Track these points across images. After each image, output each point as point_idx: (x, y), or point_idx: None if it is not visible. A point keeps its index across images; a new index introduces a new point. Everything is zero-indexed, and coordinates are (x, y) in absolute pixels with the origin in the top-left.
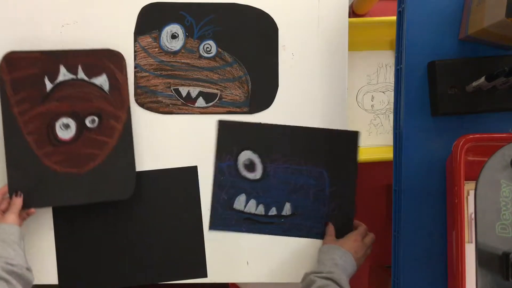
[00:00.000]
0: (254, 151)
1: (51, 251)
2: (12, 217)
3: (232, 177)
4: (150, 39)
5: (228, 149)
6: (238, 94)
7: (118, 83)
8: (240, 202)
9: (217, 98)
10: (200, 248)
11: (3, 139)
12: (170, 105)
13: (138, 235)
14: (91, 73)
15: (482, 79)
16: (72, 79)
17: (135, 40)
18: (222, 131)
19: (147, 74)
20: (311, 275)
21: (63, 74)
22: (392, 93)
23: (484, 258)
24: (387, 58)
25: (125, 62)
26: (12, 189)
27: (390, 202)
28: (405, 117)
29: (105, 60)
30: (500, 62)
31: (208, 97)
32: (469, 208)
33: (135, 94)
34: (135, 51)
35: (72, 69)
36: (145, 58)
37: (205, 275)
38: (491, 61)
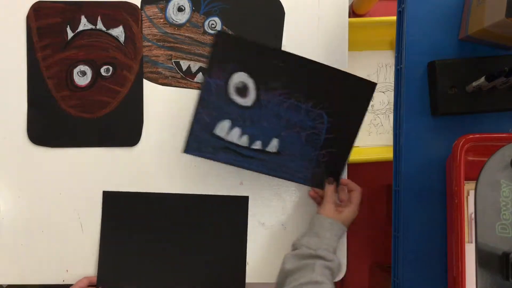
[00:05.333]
0: (251, 74)
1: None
2: None
3: (219, 98)
4: (157, 10)
5: (222, 65)
6: None
7: (133, 35)
8: (222, 128)
9: None
10: (241, 279)
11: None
12: (170, 78)
13: (181, 253)
14: (109, 24)
15: (482, 79)
16: (91, 29)
17: (141, 9)
18: (220, 43)
19: (150, 44)
20: (317, 261)
21: (84, 24)
22: (392, 93)
23: (484, 258)
24: (387, 58)
25: (141, 15)
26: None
27: (390, 202)
28: (405, 117)
29: (123, 12)
30: (500, 62)
31: None
32: (469, 208)
33: None
34: (141, 26)
35: (92, 20)
36: (149, 27)
37: None
38: (491, 61)
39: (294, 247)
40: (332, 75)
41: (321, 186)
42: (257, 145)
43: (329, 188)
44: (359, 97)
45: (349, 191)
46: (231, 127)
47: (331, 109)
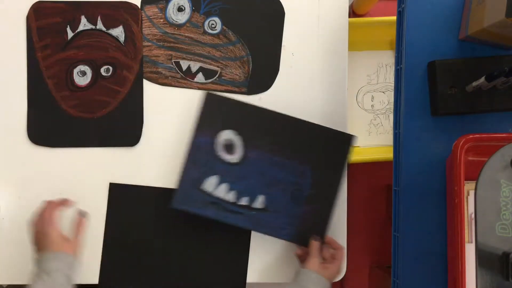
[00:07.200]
0: (238, 132)
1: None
2: (78, 244)
3: (208, 155)
4: (157, 10)
5: (210, 124)
6: (238, 73)
7: (133, 35)
8: (210, 184)
9: (217, 75)
10: (241, 279)
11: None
12: (169, 78)
13: (182, 252)
14: (109, 24)
15: (482, 79)
16: (92, 29)
17: (141, 9)
18: (208, 104)
19: (150, 44)
20: None
21: (84, 24)
22: (392, 93)
23: (484, 258)
24: (387, 58)
25: (141, 15)
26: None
27: (390, 202)
28: (405, 117)
29: (123, 12)
30: (500, 62)
31: (208, 73)
32: (469, 208)
33: None
34: (141, 26)
35: (92, 20)
36: (149, 27)
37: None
38: (491, 61)
39: None
40: (313, 131)
41: (305, 243)
42: (244, 201)
43: (314, 244)
44: (339, 151)
45: (333, 249)
46: (219, 183)
47: (314, 164)
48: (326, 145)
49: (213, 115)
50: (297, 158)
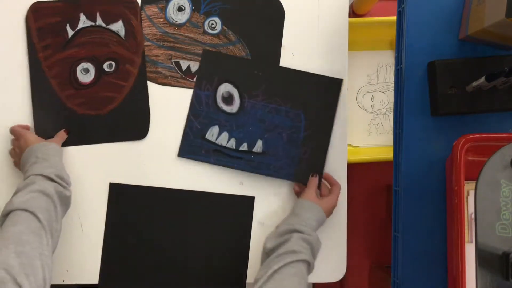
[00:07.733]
0: (235, 84)
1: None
2: (57, 140)
3: (209, 107)
4: (157, 9)
5: (209, 78)
6: None
7: (133, 29)
8: (212, 133)
9: None
10: (242, 279)
11: (29, 84)
12: (169, 77)
13: (183, 250)
14: (108, 19)
15: (482, 79)
16: (91, 26)
17: (141, 9)
18: (206, 60)
19: (149, 43)
20: (294, 234)
21: (83, 22)
22: (392, 93)
23: (484, 258)
24: (387, 58)
25: (140, 9)
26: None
27: (390, 202)
28: (405, 117)
29: (121, 6)
30: (500, 62)
31: None
32: (469, 208)
33: None
34: (140, 20)
35: (91, 16)
36: (149, 27)
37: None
38: (491, 61)
39: (275, 228)
40: (304, 78)
41: (304, 181)
42: (244, 147)
43: (312, 179)
44: (330, 93)
45: (331, 185)
46: (220, 132)
47: (307, 108)
48: (317, 90)
49: (211, 70)
50: (291, 103)
